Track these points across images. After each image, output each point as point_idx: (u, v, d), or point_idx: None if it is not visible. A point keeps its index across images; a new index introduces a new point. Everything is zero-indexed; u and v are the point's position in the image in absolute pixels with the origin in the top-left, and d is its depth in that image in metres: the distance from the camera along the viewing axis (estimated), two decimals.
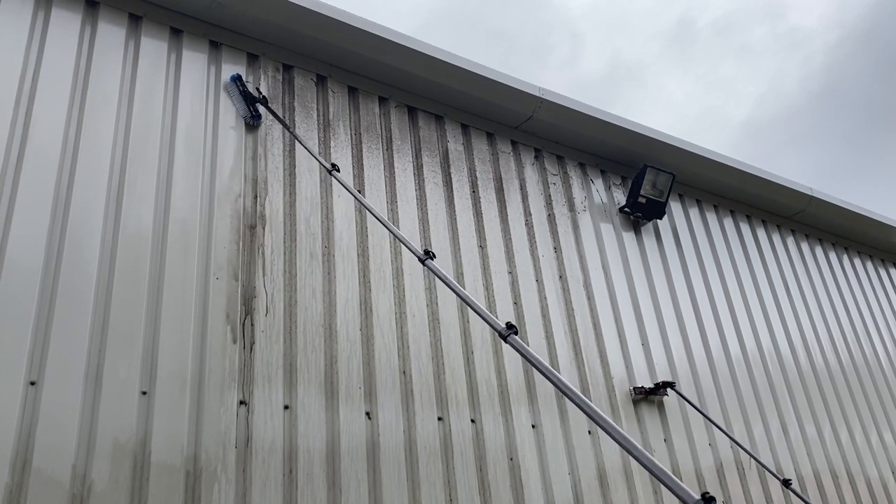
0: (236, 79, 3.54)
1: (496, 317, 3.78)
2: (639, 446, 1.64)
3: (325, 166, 3.28)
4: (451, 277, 3.76)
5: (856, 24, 36.46)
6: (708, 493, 1.45)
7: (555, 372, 2.01)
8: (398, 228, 3.75)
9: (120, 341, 2.69)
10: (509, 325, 2.12)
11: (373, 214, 2.86)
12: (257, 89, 3.59)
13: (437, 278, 3.67)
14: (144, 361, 2.71)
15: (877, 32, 34.74)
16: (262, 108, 3.55)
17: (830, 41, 37.92)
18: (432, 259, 2.42)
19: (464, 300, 2.37)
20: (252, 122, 3.51)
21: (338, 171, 3.21)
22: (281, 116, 3.61)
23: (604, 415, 1.78)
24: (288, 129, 3.55)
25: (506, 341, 2.13)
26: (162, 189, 3.09)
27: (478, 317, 3.69)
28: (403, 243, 2.56)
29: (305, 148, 3.43)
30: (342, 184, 3.13)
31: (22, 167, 2.79)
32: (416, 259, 2.56)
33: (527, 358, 2.10)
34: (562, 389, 1.95)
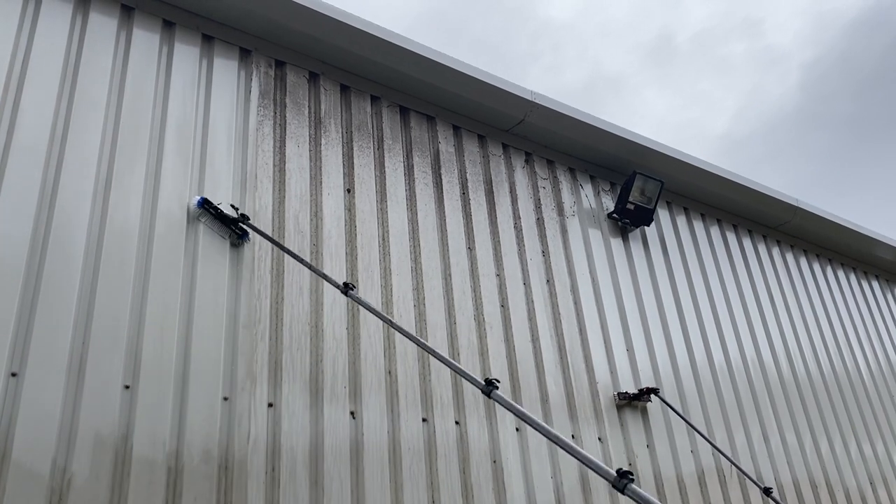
0: (202, 203, 3.09)
1: (483, 319, 3.78)
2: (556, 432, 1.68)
3: (338, 287, 2.90)
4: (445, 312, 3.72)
5: (833, 45, 36.95)
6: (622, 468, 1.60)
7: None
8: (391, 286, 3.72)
9: (104, 335, 2.66)
10: (489, 381, 2.40)
11: None
12: (232, 206, 3.18)
13: (424, 279, 3.68)
14: (128, 356, 2.68)
15: (853, 52, 35.19)
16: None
17: (807, 59, 38.40)
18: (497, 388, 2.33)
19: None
20: (236, 241, 3.13)
21: (352, 288, 2.86)
22: (273, 115, 3.59)
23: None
24: (277, 244, 3.17)
25: (489, 396, 2.41)
26: (150, 183, 3.06)
27: (464, 319, 3.70)
28: (464, 376, 2.47)
29: (313, 269, 3.10)
30: (360, 302, 2.88)
31: (8, 158, 2.76)
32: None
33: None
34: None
